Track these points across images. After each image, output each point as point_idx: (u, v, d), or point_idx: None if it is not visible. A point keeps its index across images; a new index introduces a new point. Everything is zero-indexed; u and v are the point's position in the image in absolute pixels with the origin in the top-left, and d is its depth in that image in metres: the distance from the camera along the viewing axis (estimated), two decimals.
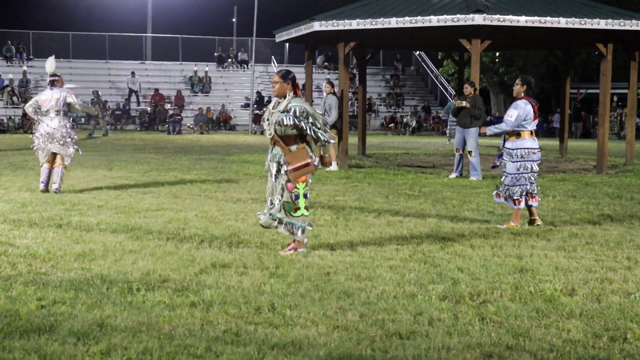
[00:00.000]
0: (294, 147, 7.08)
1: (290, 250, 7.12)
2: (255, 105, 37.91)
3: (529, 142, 8.79)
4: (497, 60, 39.99)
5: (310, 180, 7.23)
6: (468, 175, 14.50)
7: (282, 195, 7.11)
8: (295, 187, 7.06)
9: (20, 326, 4.78)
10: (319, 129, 7.04)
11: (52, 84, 11.75)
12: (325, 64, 44.31)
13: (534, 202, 8.95)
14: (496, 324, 4.99)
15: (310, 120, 7.04)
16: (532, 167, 8.82)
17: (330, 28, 16.18)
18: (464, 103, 14.49)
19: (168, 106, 38.42)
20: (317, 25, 16.31)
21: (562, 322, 5.05)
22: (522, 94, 8.85)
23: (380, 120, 40.50)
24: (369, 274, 6.34)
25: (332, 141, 7.27)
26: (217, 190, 12.02)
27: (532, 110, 8.76)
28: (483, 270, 6.52)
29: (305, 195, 7.15)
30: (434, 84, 44.38)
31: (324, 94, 16.48)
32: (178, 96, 39.30)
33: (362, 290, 5.79)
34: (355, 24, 15.74)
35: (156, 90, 39.16)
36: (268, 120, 7.22)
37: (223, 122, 38.55)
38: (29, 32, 43.00)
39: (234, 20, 49.98)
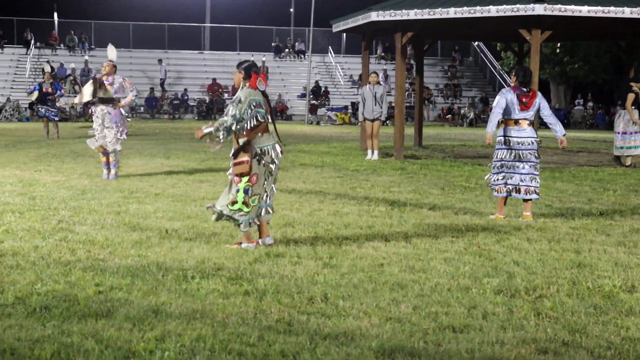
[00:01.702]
0: (241, 140, 6.89)
1: (236, 244, 6.96)
2: (311, 96, 37.96)
3: (508, 130, 8.77)
4: (557, 51, 39.32)
5: (255, 179, 6.90)
6: None
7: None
8: (240, 181, 6.87)
9: (78, 311, 4.88)
10: (224, 115, 6.88)
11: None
12: (383, 54, 44.12)
13: (520, 195, 8.79)
14: (552, 320, 4.91)
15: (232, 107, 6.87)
16: (512, 156, 8.73)
17: (387, 18, 16.09)
18: None
19: (225, 96, 38.73)
20: (374, 15, 16.23)
21: (621, 319, 4.95)
22: (512, 84, 8.86)
23: (437, 111, 40.19)
24: (423, 266, 6.30)
25: (214, 132, 6.94)
26: None
27: (514, 98, 8.69)
28: (539, 265, 6.42)
29: (245, 191, 6.84)
30: (493, 75, 43.84)
31: (371, 84, 16.39)
32: (235, 86, 39.57)
33: (415, 282, 5.75)
34: (412, 14, 15.63)
35: (214, 80, 39.49)
36: None
37: (280, 112, 38.70)
38: (91, 22, 43.75)
39: (291, 10, 50.03)
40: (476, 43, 44.31)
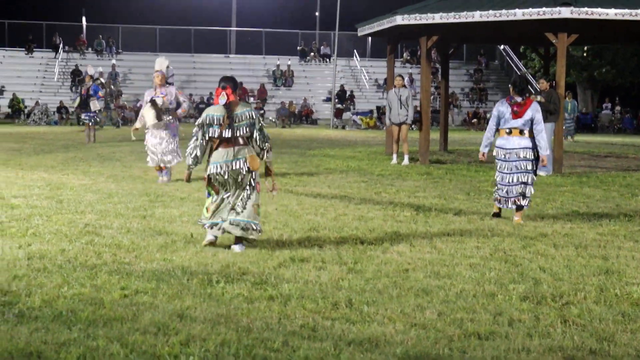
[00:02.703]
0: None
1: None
2: (337, 100, 37.96)
3: (502, 140, 8.90)
4: (584, 54, 39.01)
5: (216, 184, 7.15)
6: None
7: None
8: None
9: (104, 314, 4.90)
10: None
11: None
12: (408, 58, 44.04)
13: (506, 205, 8.90)
14: (579, 327, 4.86)
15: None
16: (505, 166, 8.83)
17: (412, 22, 16.06)
18: (538, 98, 14.23)
19: (251, 100, 38.85)
20: (399, 19, 16.20)
21: None
22: (510, 94, 8.93)
23: (462, 115, 40.02)
24: (448, 272, 6.26)
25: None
26: (297, 184, 12.07)
27: (506, 108, 8.78)
28: (566, 271, 6.36)
29: (207, 194, 7.20)
30: None
31: (396, 88, 16.30)
32: (261, 90, 39.72)
33: (440, 288, 5.72)
34: (438, 18, 15.57)
35: (240, 83, 39.62)
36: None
37: (305, 116, 38.77)
38: (119, 27, 44.14)
39: (317, 14, 50.12)
40: (502, 46, 44.09)
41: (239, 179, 7.06)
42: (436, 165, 15.81)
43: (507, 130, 8.84)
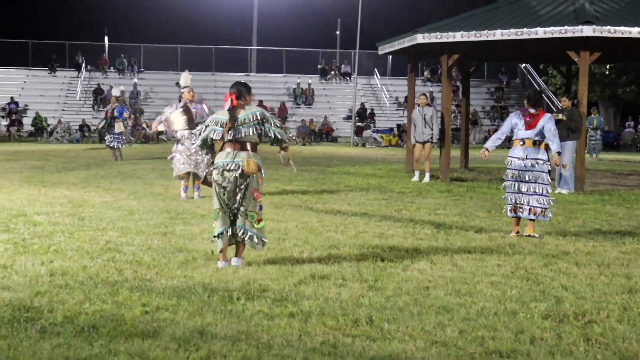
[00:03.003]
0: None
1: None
2: (357, 118, 38.02)
3: (515, 150, 9.10)
4: (607, 72, 38.84)
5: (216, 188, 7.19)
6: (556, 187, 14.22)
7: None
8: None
9: (125, 330, 4.93)
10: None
11: (181, 96, 12.47)
12: (430, 76, 44.07)
13: (522, 214, 9.02)
14: (602, 346, 4.82)
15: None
16: (513, 175, 9.04)
17: (433, 40, 16.08)
18: (560, 116, 14.20)
19: None
20: (420, 38, 16.23)
21: None
22: (525, 107, 9.16)
23: (484, 133, 39.93)
24: (469, 290, 6.24)
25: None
26: (317, 201, 12.09)
27: (519, 119, 9.05)
28: (589, 290, 6.31)
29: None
30: None
31: (420, 106, 16.31)
32: (281, 108, 39.87)
33: (461, 306, 5.70)
34: (459, 36, 15.58)
35: (260, 101, 39.79)
36: None
37: (325, 133, 38.84)
38: (140, 46, 44.52)
39: (337, 33, 50.32)
40: (523, 65, 44.02)
41: (237, 183, 7.02)
42: (457, 183, 15.77)
43: (521, 142, 9.03)
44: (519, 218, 9.11)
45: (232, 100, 7.15)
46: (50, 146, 30.48)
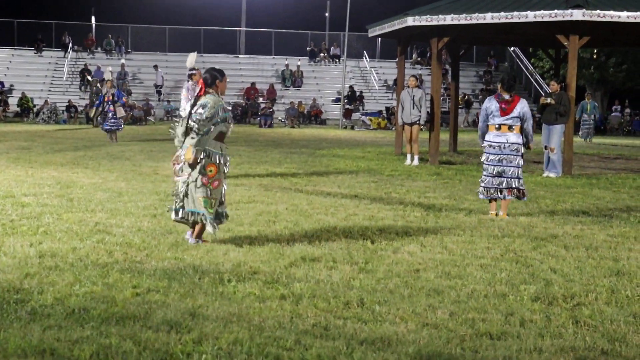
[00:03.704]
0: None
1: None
2: (346, 100, 37.97)
3: (491, 135, 9.22)
4: (594, 56, 38.90)
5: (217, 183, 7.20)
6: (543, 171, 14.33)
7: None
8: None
9: (116, 312, 4.93)
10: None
11: (190, 77, 12.54)
12: (419, 59, 44.03)
13: (499, 195, 9.19)
14: (591, 328, 4.87)
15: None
16: (493, 160, 9.15)
17: (423, 23, 16.07)
18: (548, 100, 14.28)
19: (260, 100, 38.88)
20: (410, 21, 16.22)
21: None
22: (498, 91, 9.30)
23: (472, 116, 39.99)
24: (459, 272, 6.27)
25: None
26: (307, 184, 12.09)
27: (494, 105, 9.18)
28: (577, 272, 6.36)
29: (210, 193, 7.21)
30: (529, 80, 43.52)
31: (409, 87, 16.33)
32: (270, 90, 39.76)
33: (452, 288, 5.73)
34: (449, 19, 15.58)
35: (252, 84, 39.68)
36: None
37: (314, 116, 38.78)
38: (128, 26, 44.25)
39: (326, 14, 50.15)
40: (512, 48, 44.02)
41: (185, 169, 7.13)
42: (446, 166, 15.81)
43: (497, 127, 9.19)
44: (495, 200, 9.27)
45: (201, 87, 7.16)
46: (36, 127, 30.29)
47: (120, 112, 21.21)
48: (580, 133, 29.14)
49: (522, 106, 9.16)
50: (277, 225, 8.22)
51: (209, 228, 7.08)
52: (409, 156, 16.24)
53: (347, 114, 37.54)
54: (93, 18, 45.50)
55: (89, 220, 8.25)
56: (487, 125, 9.29)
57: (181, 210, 7.18)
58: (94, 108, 21.48)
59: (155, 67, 40.04)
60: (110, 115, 21.07)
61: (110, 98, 21.19)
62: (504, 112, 9.13)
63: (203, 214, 7.07)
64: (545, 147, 14.54)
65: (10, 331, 4.51)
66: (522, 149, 9.20)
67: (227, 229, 7.91)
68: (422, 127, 16.37)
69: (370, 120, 36.66)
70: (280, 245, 7.16)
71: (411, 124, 16.16)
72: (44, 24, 43.50)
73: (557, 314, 5.14)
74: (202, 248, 6.94)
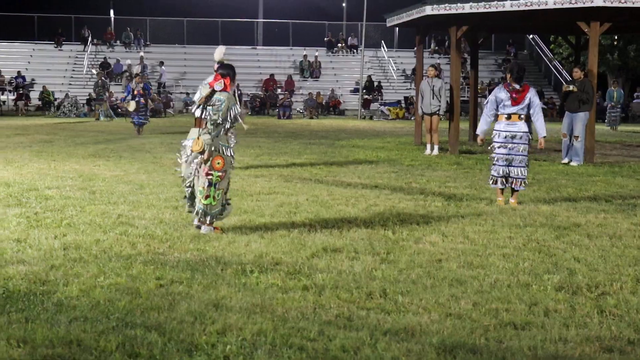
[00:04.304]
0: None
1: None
2: (364, 90, 37.89)
3: (501, 125, 9.21)
4: (615, 43, 38.52)
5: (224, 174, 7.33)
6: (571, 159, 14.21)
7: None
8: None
9: (140, 304, 4.96)
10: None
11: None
12: (437, 48, 43.83)
13: (510, 185, 9.20)
14: (616, 317, 4.83)
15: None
16: (506, 149, 9.12)
17: (442, 12, 15.99)
18: (571, 87, 14.19)
19: (279, 91, 38.86)
20: (428, 9, 16.15)
21: None
22: (507, 81, 9.24)
23: None
24: (481, 262, 6.25)
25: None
26: (327, 174, 12.09)
27: (505, 94, 9.14)
28: (601, 261, 6.32)
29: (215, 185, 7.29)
30: (548, 68, 43.22)
31: (428, 77, 16.25)
32: (288, 81, 39.73)
33: (474, 279, 5.71)
34: (468, 8, 15.50)
35: (271, 75, 39.65)
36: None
37: (332, 107, 38.71)
38: (147, 19, 44.34)
39: (344, 4, 49.99)
40: (531, 36, 43.70)
41: (192, 159, 7.25)
42: (466, 156, 15.74)
43: (507, 116, 9.18)
44: (502, 188, 9.29)
45: (225, 84, 7.24)
46: (57, 120, 30.46)
47: (150, 104, 21.40)
48: (606, 121, 28.89)
49: (532, 94, 9.18)
50: (298, 216, 8.23)
51: (203, 229, 7.25)
52: (428, 146, 16.19)
53: (365, 104, 37.46)
54: (112, 12, 45.66)
55: (111, 213, 8.29)
56: (496, 115, 9.28)
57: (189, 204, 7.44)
58: (130, 102, 21.45)
59: (161, 63, 40.06)
60: (141, 108, 21.24)
61: (141, 92, 21.30)
62: (515, 101, 9.12)
63: (200, 208, 7.24)
64: (565, 135, 14.46)
65: (38, 322, 4.55)
66: (529, 138, 9.19)
67: (248, 219, 7.94)
68: (441, 117, 16.31)
69: (389, 110, 36.56)
70: (302, 236, 7.16)
71: (431, 114, 16.10)
72: (64, 18, 43.66)
73: (582, 304, 5.11)
74: (224, 239, 6.96)
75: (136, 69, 22.81)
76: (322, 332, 4.46)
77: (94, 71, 36.63)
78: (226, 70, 7.30)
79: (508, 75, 9.30)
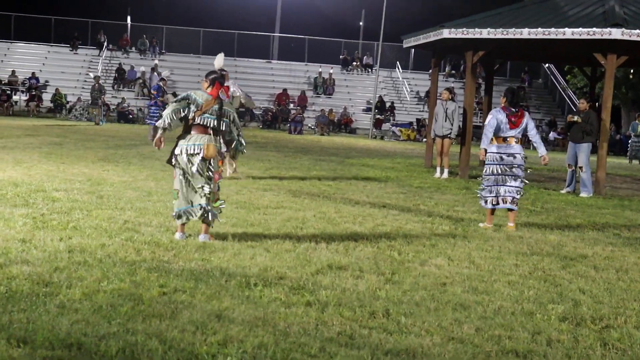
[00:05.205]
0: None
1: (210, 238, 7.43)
2: (376, 110, 37.95)
3: (499, 147, 9.43)
4: (631, 76, 38.55)
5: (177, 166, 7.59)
6: (579, 191, 14.17)
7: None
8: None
9: (142, 310, 4.97)
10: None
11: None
12: (452, 72, 43.92)
13: (508, 206, 9.41)
14: (619, 351, 4.83)
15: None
16: (501, 170, 9.37)
17: (459, 36, 16.04)
18: (575, 118, 14.24)
19: (291, 106, 38.96)
20: (446, 33, 16.20)
21: None
22: (503, 105, 9.53)
23: None
24: (486, 288, 6.25)
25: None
26: (335, 192, 12.10)
27: (504, 118, 9.37)
28: (607, 294, 6.31)
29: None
30: (562, 97, 43.21)
31: (442, 100, 16.30)
32: (301, 96, 39.83)
33: (478, 304, 5.71)
34: (485, 33, 15.54)
35: (284, 90, 39.76)
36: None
37: (344, 124, 38.77)
38: (163, 27, 44.58)
39: (361, 24, 50.20)
40: (547, 65, 43.74)
41: (201, 166, 7.40)
42: (476, 181, 15.69)
43: (504, 138, 9.43)
44: (493, 209, 9.49)
45: (226, 93, 7.57)
46: (69, 123, 30.60)
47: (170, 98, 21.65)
48: (628, 154, 28.67)
49: (528, 119, 9.53)
50: (304, 231, 8.24)
51: (202, 237, 7.41)
52: (438, 169, 16.19)
53: (377, 124, 37.52)
54: (129, 18, 45.90)
55: (118, 218, 8.32)
56: (495, 136, 9.48)
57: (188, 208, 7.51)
58: (168, 95, 21.63)
59: (152, 69, 40.00)
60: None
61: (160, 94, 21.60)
62: (513, 125, 9.42)
63: (210, 210, 7.43)
64: (569, 165, 14.48)
65: (39, 323, 4.56)
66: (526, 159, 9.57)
67: (254, 232, 7.95)
68: (453, 140, 16.33)
69: (401, 131, 36.61)
70: (307, 252, 7.17)
71: (443, 137, 16.12)
72: (81, 22, 43.96)
73: (585, 335, 5.10)
74: (229, 250, 6.97)
75: (164, 74, 23.10)
76: (324, 349, 4.46)
77: (91, 75, 36.74)
78: (221, 77, 7.66)
79: (503, 100, 9.55)
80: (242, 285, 5.77)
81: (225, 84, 12.31)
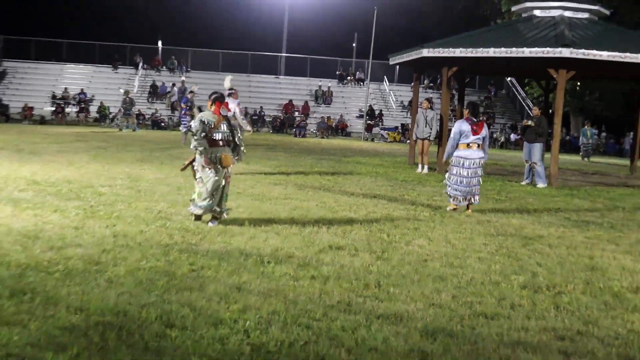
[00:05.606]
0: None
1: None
2: (367, 117, 37.91)
3: (462, 152, 9.49)
4: (577, 87, 38.50)
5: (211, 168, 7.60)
6: (535, 182, 14.20)
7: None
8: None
9: (175, 284, 5.01)
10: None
11: (229, 95, 12.62)
12: (430, 84, 43.85)
13: (470, 201, 9.54)
14: (569, 312, 4.87)
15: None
16: (467, 172, 9.42)
17: (436, 55, 16.04)
18: (529, 122, 14.29)
19: (296, 114, 38.95)
20: (425, 52, 16.20)
21: (627, 314, 4.89)
22: (465, 116, 9.57)
23: None
24: (460, 263, 6.29)
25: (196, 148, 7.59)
26: (334, 185, 12.12)
27: (467, 127, 9.45)
28: (559, 267, 6.35)
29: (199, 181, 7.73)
30: (522, 105, 43.13)
31: (423, 109, 16.33)
32: (304, 106, 39.77)
33: (454, 276, 5.75)
34: (458, 52, 15.54)
35: (290, 101, 39.74)
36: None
37: (341, 129, 38.70)
38: (188, 50, 44.50)
39: (354, 44, 50.12)
40: (509, 78, 43.68)
41: (222, 172, 7.57)
42: None
43: (468, 144, 9.47)
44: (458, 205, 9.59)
45: (227, 110, 7.80)
46: (111, 130, 30.57)
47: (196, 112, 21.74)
48: (580, 154, 29.03)
49: (486, 129, 9.66)
50: (308, 218, 8.27)
51: (212, 223, 7.53)
52: (420, 165, 16.21)
53: (368, 128, 37.47)
54: (160, 42, 45.82)
55: (153, 209, 8.35)
56: (457, 144, 9.51)
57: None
58: (194, 109, 21.65)
59: (173, 85, 40.02)
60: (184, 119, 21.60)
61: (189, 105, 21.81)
62: (475, 132, 9.49)
63: (224, 207, 7.66)
64: (526, 161, 14.54)
65: (92, 295, 4.62)
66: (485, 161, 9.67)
67: (267, 219, 7.99)
68: (431, 142, 16.36)
69: (388, 134, 36.56)
70: (311, 235, 7.21)
71: (423, 139, 16.16)
72: (120, 46, 43.87)
73: (541, 300, 5.14)
74: (246, 234, 7.01)
75: (193, 88, 23.24)
76: (326, 314, 4.51)
77: (121, 90, 36.72)
78: (223, 99, 7.78)
79: (466, 112, 9.62)
80: (258, 263, 5.81)
81: (225, 101, 12.30)
